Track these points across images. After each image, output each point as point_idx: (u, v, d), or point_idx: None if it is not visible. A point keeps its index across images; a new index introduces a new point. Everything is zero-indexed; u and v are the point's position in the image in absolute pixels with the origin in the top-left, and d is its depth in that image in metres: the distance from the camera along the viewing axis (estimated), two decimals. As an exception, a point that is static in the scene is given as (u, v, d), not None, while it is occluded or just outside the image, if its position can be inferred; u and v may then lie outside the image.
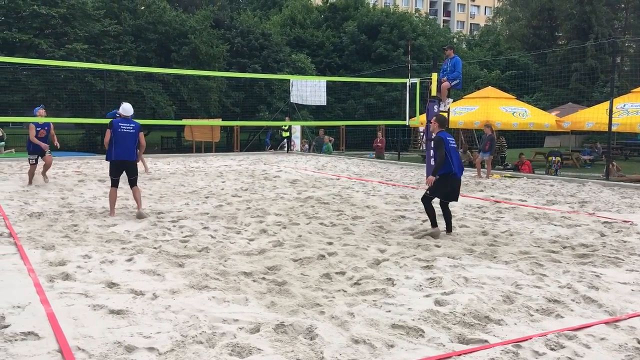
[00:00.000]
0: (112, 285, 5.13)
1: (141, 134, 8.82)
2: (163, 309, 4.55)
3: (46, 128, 12.15)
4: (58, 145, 13.55)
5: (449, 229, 7.54)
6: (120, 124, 8.62)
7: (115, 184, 8.80)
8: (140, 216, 8.45)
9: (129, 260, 6.03)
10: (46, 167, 12.44)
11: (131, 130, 8.64)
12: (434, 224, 7.38)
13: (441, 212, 7.58)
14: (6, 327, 4.09)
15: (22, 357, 3.62)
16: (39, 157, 12.19)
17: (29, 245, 6.58)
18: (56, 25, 25.89)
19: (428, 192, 7.37)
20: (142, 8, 30.41)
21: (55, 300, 4.68)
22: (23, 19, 25.34)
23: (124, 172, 8.78)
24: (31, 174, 12.16)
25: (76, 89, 25.77)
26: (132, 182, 8.82)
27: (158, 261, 5.99)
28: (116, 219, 8.32)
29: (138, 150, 8.90)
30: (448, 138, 7.31)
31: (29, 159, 12.25)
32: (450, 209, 9.04)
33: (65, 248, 6.51)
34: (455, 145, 7.43)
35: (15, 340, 3.88)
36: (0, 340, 3.85)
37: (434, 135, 7.48)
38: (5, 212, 8.75)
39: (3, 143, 21.77)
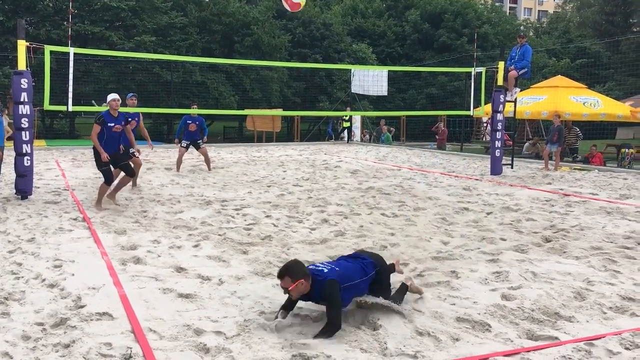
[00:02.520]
0: (180, 269, 5.30)
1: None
2: (229, 294, 4.65)
3: (136, 119, 10.47)
4: (151, 145, 11.76)
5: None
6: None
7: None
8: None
9: (196, 246, 6.20)
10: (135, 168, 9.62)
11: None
12: None
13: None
14: (82, 307, 4.29)
15: (97, 336, 3.79)
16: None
17: (102, 230, 6.87)
18: (126, 17, 26.77)
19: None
20: (207, 0, 30.99)
21: (127, 282, 4.87)
22: (95, 12, 26.34)
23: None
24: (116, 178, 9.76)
25: (144, 80, 26.59)
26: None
27: (223, 248, 6.13)
28: (182, 206, 8.56)
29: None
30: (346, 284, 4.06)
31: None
32: (517, 201, 8.80)
33: (136, 233, 6.77)
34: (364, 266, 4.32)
35: (91, 320, 4.07)
36: (76, 319, 4.05)
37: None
38: (79, 198, 9.16)
39: None
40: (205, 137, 13.67)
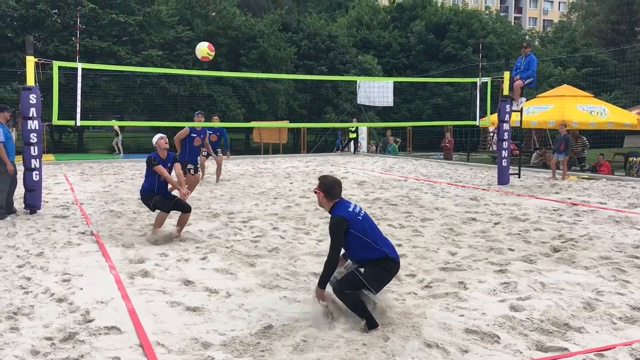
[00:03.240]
0: (188, 282, 5.31)
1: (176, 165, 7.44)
2: (237, 307, 4.65)
3: (201, 136, 10.90)
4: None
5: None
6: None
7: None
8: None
9: (203, 258, 6.21)
10: (191, 185, 10.31)
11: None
12: (374, 323, 4.18)
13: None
14: (91, 321, 4.30)
15: (105, 350, 3.80)
16: (196, 167, 10.83)
17: (110, 244, 6.90)
18: (133, 32, 27.02)
19: (367, 282, 4.24)
20: (214, 14, 31.24)
21: (135, 296, 4.88)
22: (102, 27, 26.60)
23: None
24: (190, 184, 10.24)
25: (151, 94, 26.78)
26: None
27: (230, 260, 6.14)
28: (190, 219, 8.55)
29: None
30: (352, 209, 4.40)
31: (188, 168, 10.46)
32: (525, 210, 8.78)
33: (144, 246, 6.79)
34: (365, 214, 4.49)
35: (99, 334, 4.08)
36: (85, 334, 4.06)
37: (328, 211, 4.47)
38: (87, 211, 9.21)
39: (120, 138, 22.81)
40: (227, 153, 14.00)
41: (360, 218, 4.35)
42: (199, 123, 10.92)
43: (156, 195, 7.21)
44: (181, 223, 7.36)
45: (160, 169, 7.10)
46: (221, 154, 13.41)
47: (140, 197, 7.57)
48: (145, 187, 7.27)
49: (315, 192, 4.46)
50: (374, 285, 4.22)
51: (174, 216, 7.66)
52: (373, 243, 4.27)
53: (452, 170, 17.39)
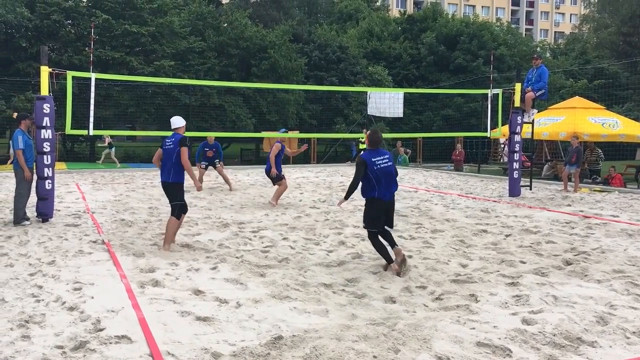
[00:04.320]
0: (198, 292, 5.31)
1: (183, 149, 7.10)
2: (247, 317, 4.65)
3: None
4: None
5: (392, 244, 6.31)
6: (164, 139, 7.42)
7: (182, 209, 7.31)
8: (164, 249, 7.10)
9: (213, 268, 6.22)
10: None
11: (170, 146, 7.19)
12: (388, 259, 6.15)
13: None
14: (101, 330, 4.32)
15: (116, 359, 3.80)
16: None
17: (121, 253, 6.93)
18: (145, 43, 27.29)
19: (364, 225, 6.38)
20: (225, 25, 31.50)
21: (145, 305, 4.89)
22: (115, 38, 26.88)
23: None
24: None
25: (163, 104, 26.98)
26: (171, 209, 7.23)
27: (240, 270, 6.14)
28: (200, 228, 8.60)
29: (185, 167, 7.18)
30: (376, 158, 6.16)
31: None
32: (536, 223, 8.75)
33: (154, 256, 6.80)
34: (389, 164, 6.22)
35: (110, 343, 4.08)
36: (96, 343, 4.07)
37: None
38: (99, 220, 9.26)
39: (113, 150, 22.96)
40: (221, 162, 14.56)
41: (376, 168, 6.13)
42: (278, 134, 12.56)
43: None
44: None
45: (185, 153, 7.08)
46: (219, 165, 14.29)
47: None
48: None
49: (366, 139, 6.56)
50: (371, 223, 6.27)
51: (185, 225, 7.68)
52: (377, 186, 6.15)
53: (463, 181, 17.33)
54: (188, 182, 7.65)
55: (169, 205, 7.31)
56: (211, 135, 14.44)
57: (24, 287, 5.44)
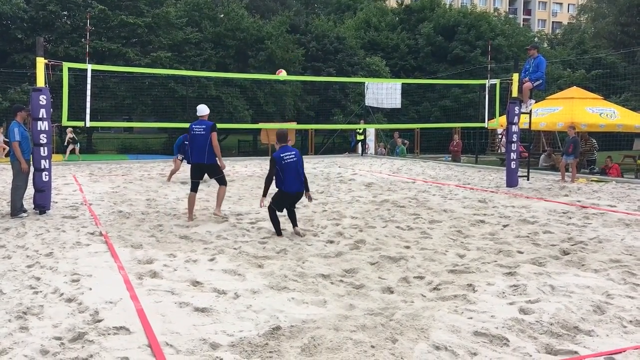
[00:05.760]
0: (196, 283, 5.31)
1: (213, 134, 8.30)
2: (245, 308, 4.66)
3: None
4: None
5: (294, 224, 7.70)
6: (193, 125, 8.47)
7: (193, 187, 8.60)
8: (216, 217, 8.53)
9: (211, 260, 6.22)
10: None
11: (202, 132, 8.31)
12: (278, 233, 7.53)
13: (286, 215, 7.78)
14: (100, 321, 4.32)
15: (114, 350, 3.81)
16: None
17: (119, 244, 6.93)
18: (142, 34, 27.17)
19: (271, 202, 7.58)
20: (222, 16, 31.35)
21: (144, 296, 4.90)
22: (112, 29, 26.75)
23: (206, 175, 9.04)
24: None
25: (160, 95, 26.92)
26: (218, 181, 8.67)
27: (238, 261, 6.15)
28: (197, 221, 8.60)
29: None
30: (284, 154, 7.33)
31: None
32: (534, 213, 8.77)
33: (152, 247, 6.81)
34: (295, 159, 7.38)
35: (108, 334, 4.09)
36: (94, 334, 4.07)
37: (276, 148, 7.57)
38: (96, 212, 9.25)
39: (78, 145, 22.59)
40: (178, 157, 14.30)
41: (284, 163, 7.26)
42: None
43: None
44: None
45: (216, 137, 8.36)
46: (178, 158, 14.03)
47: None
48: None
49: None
50: (275, 204, 7.49)
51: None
52: (284, 179, 7.29)
53: (460, 172, 17.35)
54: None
55: (190, 182, 8.67)
56: None
57: (22, 278, 5.44)
